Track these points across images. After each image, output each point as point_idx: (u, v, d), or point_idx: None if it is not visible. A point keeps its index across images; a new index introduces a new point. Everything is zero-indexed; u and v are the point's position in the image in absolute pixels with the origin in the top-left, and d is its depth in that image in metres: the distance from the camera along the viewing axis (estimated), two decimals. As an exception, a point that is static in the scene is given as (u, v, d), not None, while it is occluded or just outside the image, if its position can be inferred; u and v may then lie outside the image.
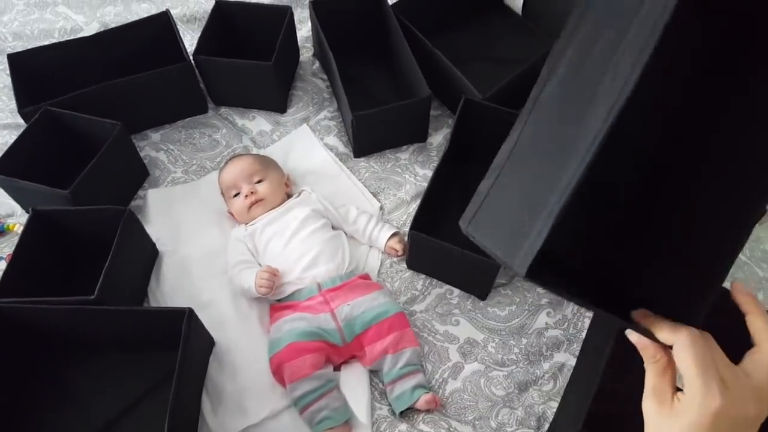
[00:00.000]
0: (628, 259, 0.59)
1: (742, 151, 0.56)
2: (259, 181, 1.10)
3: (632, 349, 0.51)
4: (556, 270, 0.48)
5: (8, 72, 1.16)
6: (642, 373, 0.51)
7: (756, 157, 0.54)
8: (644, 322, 0.49)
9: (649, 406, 0.49)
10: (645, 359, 0.50)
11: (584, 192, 0.44)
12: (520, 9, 1.44)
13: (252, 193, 1.08)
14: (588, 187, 0.44)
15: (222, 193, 1.15)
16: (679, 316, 0.49)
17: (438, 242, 0.96)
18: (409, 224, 1.01)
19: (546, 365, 0.98)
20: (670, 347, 0.47)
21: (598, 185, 0.46)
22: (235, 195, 1.10)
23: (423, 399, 0.90)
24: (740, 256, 1.12)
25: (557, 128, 0.51)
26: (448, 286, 1.07)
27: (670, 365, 0.48)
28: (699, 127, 0.56)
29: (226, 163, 1.15)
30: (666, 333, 0.47)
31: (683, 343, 0.46)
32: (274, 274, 0.99)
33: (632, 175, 0.57)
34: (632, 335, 0.50)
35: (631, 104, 0.42)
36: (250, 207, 1.08)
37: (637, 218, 0.61)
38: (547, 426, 0.92)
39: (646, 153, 0.57)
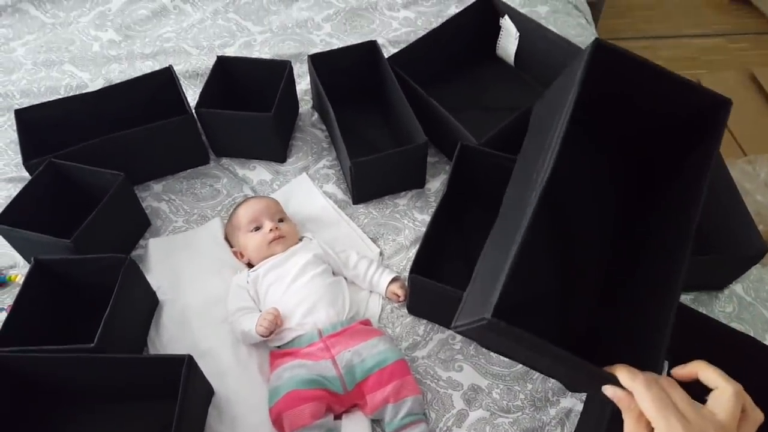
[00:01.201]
0: (577, 315, 0.72)
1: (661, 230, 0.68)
2: (280, 220, 1.13)
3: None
4: (517, 315, 0.57)
5: (14, 127, 1.19)
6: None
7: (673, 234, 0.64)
8: (607, 368, 0.56)
9: None
10: (621, 409, 0.55)
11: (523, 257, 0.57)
12: (512, 60, 1.49)
13: (276, 228, 1.10)
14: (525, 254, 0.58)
15: (227, 234, 1.16)
16: (637, 364, 0.57)
17: (438, 285, 0.96)
18: (409, 269, 1.01)
19: (552, 411, 0.96)
20: None
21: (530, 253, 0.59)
22: (255, 230, 1.11)
23: None
24: (745, 296, 1.12)
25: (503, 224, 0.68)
26: (450, 331, 1.06)
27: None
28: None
29: (245, 200, 1.18)
30: (625, 378, 0.55)
31: (639, 388, 0.53)
32: (276, 316, 0.99)
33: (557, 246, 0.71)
34: (608, 390, 0.56)
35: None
36: (271, 241, 1.09)
37: (575, 282, 0.76)
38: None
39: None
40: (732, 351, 0.90)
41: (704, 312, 0.97)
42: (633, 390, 0.53)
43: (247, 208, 1.14)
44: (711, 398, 0.54)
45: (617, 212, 0.84)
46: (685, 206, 0.70)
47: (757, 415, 0.54)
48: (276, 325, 0.98)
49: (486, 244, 0.78)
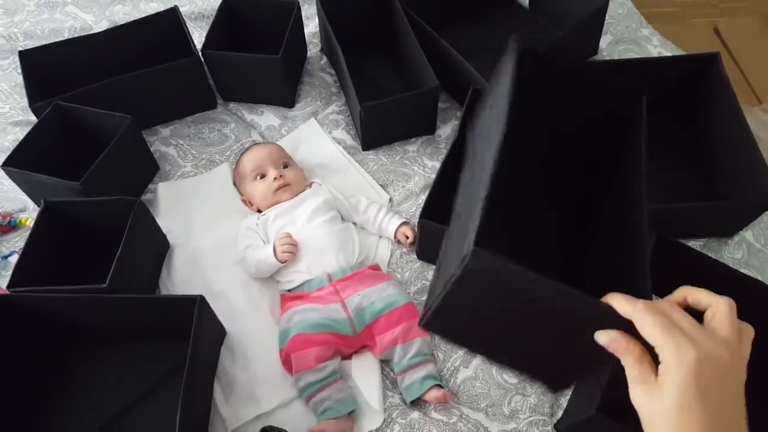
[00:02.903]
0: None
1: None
2: (285, 166, 1.12)
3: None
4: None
5: (20, 70, 1.17)
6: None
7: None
8: (604, 299, 0.51)
9: (638, 394, 0.49)
10: (619, 354, 0.50)
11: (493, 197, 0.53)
12: (527, 2, 1.44)
13: (281, 176, 1.09)
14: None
15: (235, 181, 1.16)
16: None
17: (446, 229, 0.96)
18: (419, 214, 1.01)
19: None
20: (639, 339, 0.49)
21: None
22: (260, 177, 1.10)
23: (433, 394, 0.90)
24: (755, 242, 1.11)
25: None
26: (458, 277, 1.06)
27: (644, 351, 0.49)
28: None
29: (249, 147, 1.16)
30: (622, 305, 0.49)
31: (640, 314, 0.48)
32: (291, 237, 1.00)
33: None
34: (600, 336, 0.51)
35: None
36: (276, 190, 1.08)
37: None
38: (560, 413, 0.91)
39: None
40: (741, 295, 0.91)
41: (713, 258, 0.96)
42: (633, 317, 0.48)
43: (250, 156, 1.13)
44: (707, 318, 0.50)
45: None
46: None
47: (748, 329, 0.51)
48: (294, 245, 1.00)
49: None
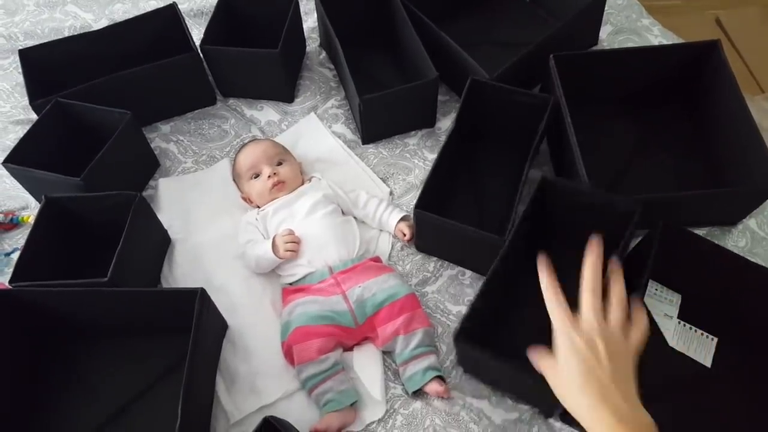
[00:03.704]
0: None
1: None
2: (279, 163, 1.11)
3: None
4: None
5: (20, 70, 1.17)
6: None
7: None
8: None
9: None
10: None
11: None
12: (527, -7, 1.44)
13: (275, 174, 1.09)
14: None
15: (234, 179, 1.16)
16: None
17: (441, 219, 0.96)
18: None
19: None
20: None
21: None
22: (255, 176, 1.10)
23: (433, 387, 0.90)
24: (758, 231, 1.10)
25: None
26: (460, 268, 1.06)
27: None
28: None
29: (244, 145, 1.16)
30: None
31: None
32: (293, 234, 1.00)
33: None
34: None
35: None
36: (271, 188, 1.08)
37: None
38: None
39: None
40: (748, 282, 0.90)
41: (717, 246, 0.96)
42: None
43: (245, 155, 1.12)
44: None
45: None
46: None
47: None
48: (297, 242, 1.00)
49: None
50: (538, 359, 0.65)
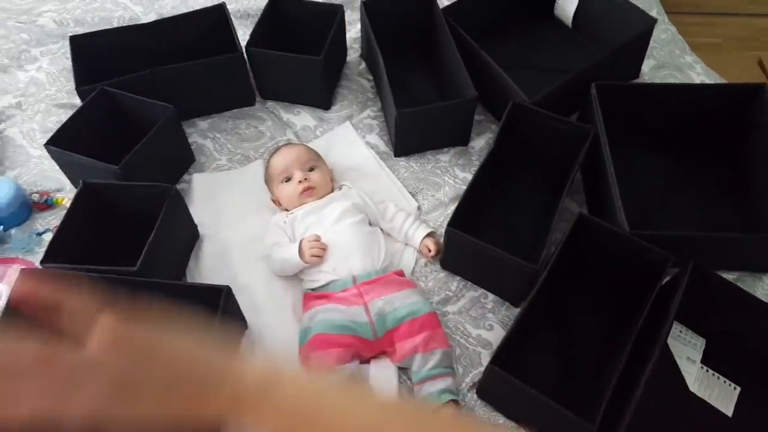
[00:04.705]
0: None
1: None
2: (311, 169, 1.12)
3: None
4: None
5: (68, 55, 1.20)
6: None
7: None
8: None
9: None
10: None
11: None
12: (570, 20, 1.43)
13: (306, 179, 1.10)
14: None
15: (266, 181, 1.17)
16: None
17: (474, 240, 0.95)
18: (447, 223, 1.00)
19: (579, 376, 0.96)
20: None
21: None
22: (286, 180, 1.11)
23: (448, 412, 0.88)
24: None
25: None
26: (482, 290, 1.05)
27: None
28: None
29: (278, 149, 1.17)
30: None
31: None
32: (319, 240, 1.01)
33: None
34: None
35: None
36: (301, 193, 1.09)
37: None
38: None
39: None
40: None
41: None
42: None
43: (278, 159, 1.13)
44: None
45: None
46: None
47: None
48: (323, 248, 1.01)
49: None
50: None
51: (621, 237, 0.94)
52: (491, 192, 1.15)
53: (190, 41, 1.28)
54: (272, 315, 1.00)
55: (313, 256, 1.00)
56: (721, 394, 0.92)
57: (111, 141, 1.11)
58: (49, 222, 1.13)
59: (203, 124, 1.30)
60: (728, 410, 0.91)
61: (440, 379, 0.91)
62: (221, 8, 1.28)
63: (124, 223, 1.02)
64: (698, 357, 0.96)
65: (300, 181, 1.09)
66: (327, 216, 1.06)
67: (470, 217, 1.05)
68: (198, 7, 1.33)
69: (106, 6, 1.51)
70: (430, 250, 1.07)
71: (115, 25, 1.46)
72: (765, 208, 1.08)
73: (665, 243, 0.91)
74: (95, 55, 1.22)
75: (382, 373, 0.95)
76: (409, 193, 1.19)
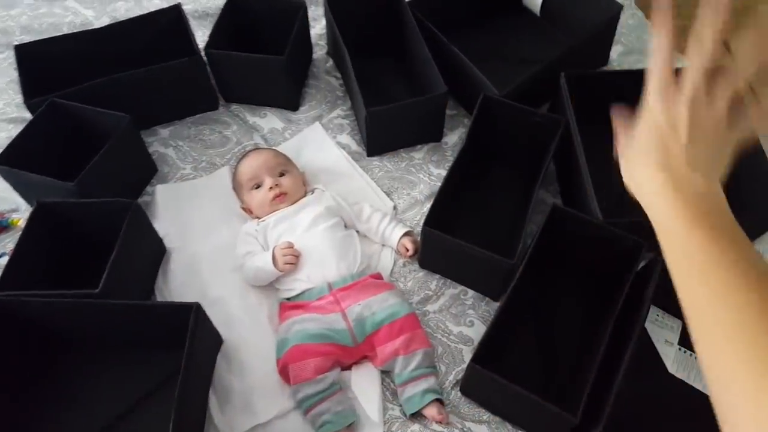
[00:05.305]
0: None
1: None
2: (281, 174, 1.08)
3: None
4: None
5: (15, 66, 1.14)
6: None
7: None
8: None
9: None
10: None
11: None
12: (538, 9, 1.42)
13: (276, 185, 1.06)
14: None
15: (235, 188, 1.13)
16: None
17: (450, 239, 0.94)
18: (422, 222, 0.98)
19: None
20: None
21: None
22: (256, 187, 1.07)
23: (432, 412, 0.88)
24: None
25: None
26: (462, 287, 1.04)
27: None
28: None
29: (246, 154, 1.13)
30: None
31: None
32: (293, 248, 0.98)
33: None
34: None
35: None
36: (273, 199, 1.05)
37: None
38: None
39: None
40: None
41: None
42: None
43: (246, 165, 1.09)
44: None
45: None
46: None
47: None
48: (296, 255, 0.98)
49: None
50: (618, 123, 0.58)
51: (594, 226, 0.94)
52: (466, 187, 1.12)
53: (146, 45, 1.23)
54: (248, 327, 0.97)
55: (287, 264, 0.96)
56: (699, 374, 0.93)
57: (66, 156, 1.05)
58: (5, 245, 1.07)
59: (164, 132, 1.25)
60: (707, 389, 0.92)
61: (423, 380, 0.90)
62: (177, 9, 1.22)
63: (85, 243, 0.97)
64: (676, 339, 0.97)
65: (271, 188, 1.05)
66: (300, 222, 1.03)
67: (446, 214, 1.02)
68: (153, 9, 1.27)
69: (55, 11, 1.44)
70: (407, 250, 1.05)
71: (65, 31, 1.39)
72: (735, 191, 1.07)
73: (639, 229, 0.90)
74: (44, 64, 1.16)
75: (364, 379, 0.93)
76: (384, 192, 1.16)
